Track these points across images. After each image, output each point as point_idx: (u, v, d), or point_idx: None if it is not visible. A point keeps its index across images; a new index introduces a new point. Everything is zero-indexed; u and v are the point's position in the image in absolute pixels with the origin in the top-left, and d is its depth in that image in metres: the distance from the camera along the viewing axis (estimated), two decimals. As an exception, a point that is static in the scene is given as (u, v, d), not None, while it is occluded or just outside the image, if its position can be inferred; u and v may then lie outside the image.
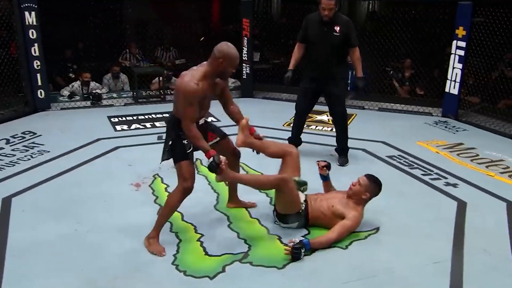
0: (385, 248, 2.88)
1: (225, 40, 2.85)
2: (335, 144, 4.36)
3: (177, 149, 2.83)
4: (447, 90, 5.89)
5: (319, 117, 5.99)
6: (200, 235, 3.02)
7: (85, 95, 6.68)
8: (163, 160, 2.99)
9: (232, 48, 2.76)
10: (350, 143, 4.37)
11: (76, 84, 6.83)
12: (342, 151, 4.29)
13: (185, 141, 2.82)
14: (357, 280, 2.56)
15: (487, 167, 4.30)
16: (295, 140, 4.41)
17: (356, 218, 2.93)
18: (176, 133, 2.84)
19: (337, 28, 3.89)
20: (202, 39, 8.72)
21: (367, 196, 2.99)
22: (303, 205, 3.03)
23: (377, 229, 3.10)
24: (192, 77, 2.72)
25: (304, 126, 4.54)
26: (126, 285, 2.51)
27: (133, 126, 5.62)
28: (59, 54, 7.23)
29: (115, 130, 5.44)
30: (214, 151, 2.78)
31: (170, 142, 2.87)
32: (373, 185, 3.00)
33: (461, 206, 3.48)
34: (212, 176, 3.99)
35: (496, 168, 4.29)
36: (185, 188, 2.82)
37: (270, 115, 6.04)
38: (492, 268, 2.68)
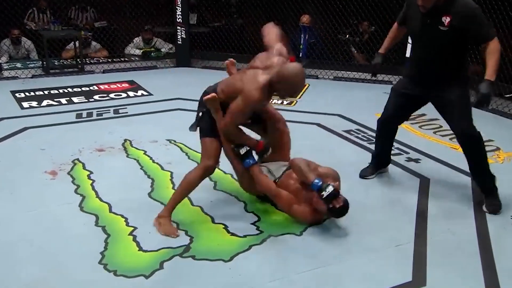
0: (342, 233, 3.00)
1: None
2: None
3: (204, 123, 3.00)
4: (408, 55, 6.12)
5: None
6: (132, 228, 2.99)
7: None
8: (190, 130, 3.12)
9: (295, 74, 2.78)
10: (303, 116, 4.44)
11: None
12: (485, 190, 3.35)
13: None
14: (312, 270, 2.65)
15: (451, 139, 4.56)
16: (379, 159, 3.75)
17: (305, 213, 3.01)
18: (207, 109, 2.98)
19: (446, 20, 2.97)
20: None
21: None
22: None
23: (334, 211, 3.22)
24: (257, 83, 2.80)
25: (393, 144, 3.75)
26: (43, 291, 2.46)
27: (45, 103, 5.42)
28: None
29: (22, 107, 5.25)
30: (261, 142, 3.10)
31: (200, 113, 3.02)
32: (330, 215, 3.02)
33: (424, 183, 3.68)
34: (144, 159, 3.97)
35: (460, 140, 4.55)
36: (206, 167, 2.97)
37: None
38: (456, 248, 2.88)
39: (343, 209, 2.91)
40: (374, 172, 3.73)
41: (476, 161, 3.25)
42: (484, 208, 3.27)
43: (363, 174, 3.72)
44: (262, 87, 2.80)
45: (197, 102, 3.13)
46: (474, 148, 3.20)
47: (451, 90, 3.13)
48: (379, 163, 3.75)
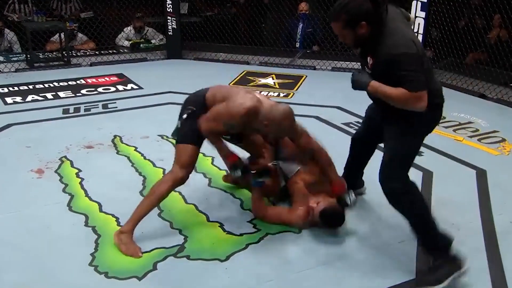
0: (343, 230, 3.01)
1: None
2: None
3: (187, 127, 2.84)
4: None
5: (263, 80, 6.03)
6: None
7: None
8: (173, 136, 3.05)
9: (284, 116, 2.69)
10: (300, 109, 4.44)
11: None
12: (428, 250, 2.70)
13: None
14: (312, 268, 2.66)
15: (454, 130, 4.58)
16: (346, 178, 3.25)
17: (298, 218, 3.02)
18: (193, 111, 2.85)
19: (370, 62, 2.55)
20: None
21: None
22: None
23: (335, 208, 3.22)
24: (249, 102, 2.71)
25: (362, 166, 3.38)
26: (31, 295, 2.46)
27: (29, 98, 5.40)
28: None
29: (5, 103, 5.23)
30: (235, 155, 2.90)
31: (185, 115, 2.87)
32: (322, 222, 2.99)
33: (427, 177, 3.69)
34: (135, 156, 3.97)
35: (465, 131, 4.58)
36: (178, 179, 2.80)
37: (204, 80, 5.96)
38: (461, 245, 2.88)
39: (334, 216, 2.93)
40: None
41: (404, 215, 2.64)
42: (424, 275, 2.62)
43: None
44: (251, 108, 2.68)
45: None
46: (395, 202, 2.63)
47: (390, 129, 2.65)
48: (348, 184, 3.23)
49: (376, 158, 2.87)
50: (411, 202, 2.60)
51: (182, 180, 2.82)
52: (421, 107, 2.38)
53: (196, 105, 2.89)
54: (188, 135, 2.83)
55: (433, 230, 2.59)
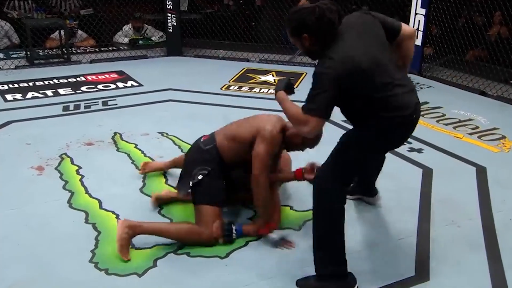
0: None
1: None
2: None
3: (205, 187, 2.80)
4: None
5: (263, 78, 6.03)
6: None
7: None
8: (181, 192, 2.96)
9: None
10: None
11: None
12: (317, 270, 2.51)
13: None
14: (312, 266, 2.65)
15: (454, 128, 4.58)
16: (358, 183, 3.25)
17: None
18: (212, 168, 2.83)
19: None
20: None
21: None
22: None
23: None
24: (274, 124, 2.81)
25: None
26: (31, 292, 2.46)
27: (29, 95, 5.40)
28: None
29: (5, 100, 5.23)
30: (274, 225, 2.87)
31: (200, 176, 2.81)
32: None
33: (427, 174, 3.69)
34: (135, 153, 3.97)
35: (465, 128, 4.58)
36: (209, 237, 2.77)
37: (204, 77, 6.01)
38: (461, 241, 2.89)
39: None
40: (353, 193, 3.26)
41: (314, 219, 2.45)
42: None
43: None
44: (280, 129, 2.80)
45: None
46: (315, 201, 2.43)
47: (351, 130, 2.55)
48: (359, 188, 3.27)
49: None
50: (331, 214, 2.40)
51: (209, 242, 2.77)
52: (306, 132, 2.27)
53: (212, 162, 2.86)
54: (208, 195, 2.80)
55: (335, 250, 2.43)
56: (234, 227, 2.83)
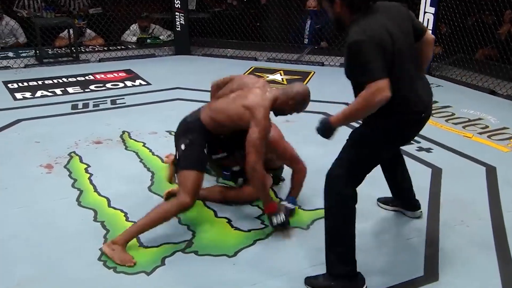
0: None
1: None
2: None
3: (189, 153, 2.86)
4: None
5: (271, 77, 6.02)
6: (132, 223, 3.00)
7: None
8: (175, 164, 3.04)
9: (307, 91, 2.96)
10: (308, 105, 4.41)
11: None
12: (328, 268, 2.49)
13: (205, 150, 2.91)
14: (320, 264, 2.64)
15: (464, 127, 4.55)
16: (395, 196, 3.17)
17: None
18: (194, 138, 2.89)
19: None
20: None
21: None
22: None
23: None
24: (264, 104, 2.86)
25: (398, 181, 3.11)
26: (40, 290, 2.47)
27: (39, 93, 5.43)
28: None
29: (15, 99, 5.25)
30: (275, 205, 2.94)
31: (183, 146, 2.89)
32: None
33: (436, 173, 3.67)
34: (144, 151, 3.98)
35: (474, 128, 4.55)
36: (184, 204, 2.75)
37: (212, 76, 5.95)
38: (470, 242, 2.87)
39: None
40: (393, 204, 3.18)
41: (326, 219, 2.44)
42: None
43: (381, 200, 3.24)
44: (269, 106, 2.86)
45: (189, 114, 3.10)
46: (327, 201, 2.42)
47: (359, 128, 2.56)
48: (399, 201, 3.17)
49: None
50: (341, 207, 2.39)
51: (188, 207, 2.77)
52: (381, 99, 2.14)
53: (193, 132, 2.92)
54: (193, 160, 2.84)
55: (345, 250, 2.40)
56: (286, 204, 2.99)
